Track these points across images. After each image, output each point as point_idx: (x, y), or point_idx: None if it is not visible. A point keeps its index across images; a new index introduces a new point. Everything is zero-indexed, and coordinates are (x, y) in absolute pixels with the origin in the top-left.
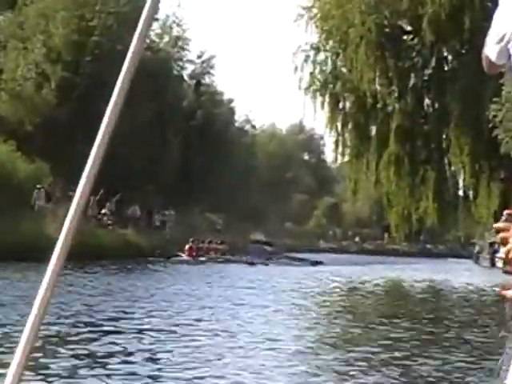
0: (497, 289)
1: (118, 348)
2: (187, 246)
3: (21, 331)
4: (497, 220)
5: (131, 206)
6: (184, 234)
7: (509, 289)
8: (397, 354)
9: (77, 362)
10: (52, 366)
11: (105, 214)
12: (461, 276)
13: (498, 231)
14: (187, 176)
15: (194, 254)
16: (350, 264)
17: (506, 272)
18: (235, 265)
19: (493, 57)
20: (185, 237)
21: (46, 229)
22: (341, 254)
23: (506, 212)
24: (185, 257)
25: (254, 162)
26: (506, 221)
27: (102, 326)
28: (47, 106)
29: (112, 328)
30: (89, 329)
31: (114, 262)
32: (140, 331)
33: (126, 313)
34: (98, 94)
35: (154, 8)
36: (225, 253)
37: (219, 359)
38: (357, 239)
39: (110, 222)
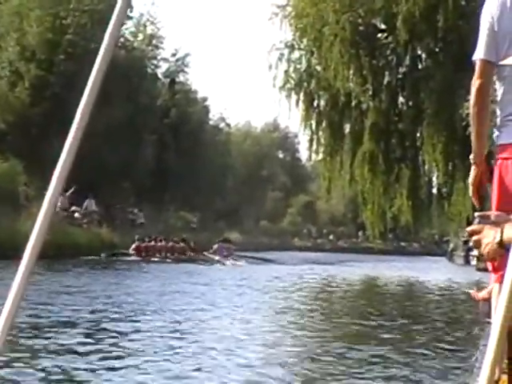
0: (470, 289)
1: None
2: (134, 245)
3: None
4: (470, 222)
5: (105, 204)
6: (158, 233)
7: (481, 290)
8: (370, 352)
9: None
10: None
11: (75, 211)
12: (435, 274)
13: (472, 234)
14: (162, 174)
15: (144, 252)
16: (324, 262)
17: (479, 269)
18: (191, 264)
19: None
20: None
21: (22, 227)
22: (315, 252)
23: (476, 214)
24: (133, 256)
25: (229, 161)
26: (478, 223)
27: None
28: (21, 104)
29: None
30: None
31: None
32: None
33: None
34: (72, 93)
35: (127, 5)
36: (184, 252)
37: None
38: (331, 237)
39: (82, 220)
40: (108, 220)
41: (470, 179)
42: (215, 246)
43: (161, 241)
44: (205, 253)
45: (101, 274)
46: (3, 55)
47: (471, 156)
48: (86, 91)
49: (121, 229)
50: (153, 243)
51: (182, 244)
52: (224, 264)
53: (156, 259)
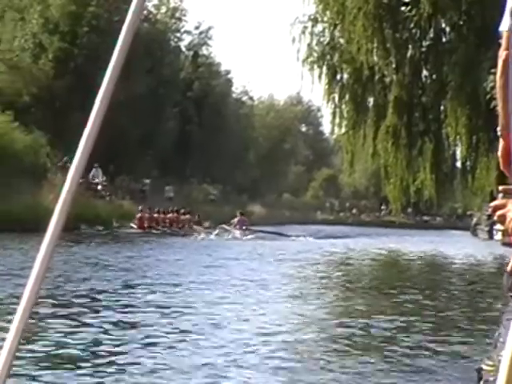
0: (495, 261)
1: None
2: (137, 216)
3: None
4: (494, 196)
5: (128, 177)
6: (180, 205)
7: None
8: (393, 325)
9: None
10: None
11: (98, 184)
12: (458, 248)
13: (496, 209)
14: (184, 147)
15: (146, 224)
16: (346, 236)
17: (504, 244)
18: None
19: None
20: (180, 208)
21: (44, 200)
22: (338, 226)
23: (501, 188)
24: (135, 228)
25: (252, 134)
26: (502, 197)
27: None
28: (44, 76)
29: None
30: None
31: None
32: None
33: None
34: (95, 65)
35: None
36: (189, 224)
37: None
38: (354, 211)
39: (105, 192)
40: (133, 192)
41: (499, 152)
42: (235, 220)
43: (164, 213)
44: (224, 225)
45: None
46: (27, 27)
47: (498, 128)
48: (110, 64)
49: (144, 201)
50: (156, 215)
51: (187, 216)
52: (237, 237)
53: (156, 231)
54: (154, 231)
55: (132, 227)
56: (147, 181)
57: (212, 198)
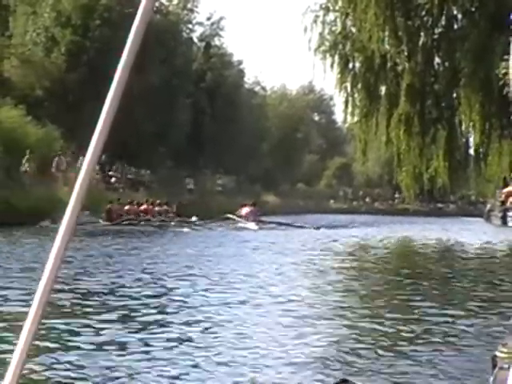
0: (509, 247)
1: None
2: (106, 208)
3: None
4: (507, 182)
5: (141, 169)
6: (197, 195)
7: None
8: (407, 312)
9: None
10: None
11: (112, 177)
12: (472, 234)
13: (509, 195)
14: (197, 138)
15: (115, 217)
16: (361, 224)
17: None
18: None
19: None
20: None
21: (58, 193)
22: (351, 215)
23: None
24: (101, 222)
25: (265, 124)
26: None
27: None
28: (57, 70)
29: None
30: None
31: None
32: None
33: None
34: (107, 58)
35: None
36: (166, 216)
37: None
38: (367, 199)
39: (118, 184)
40: (149, 184)
41: None
42: (241, 210)
43: (138, 204)
44: (229, 215)
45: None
46: (39, 21)
47: None
48: (123, 56)
49: (162, 193)
50: (128, 207)
51: (164, 207)
52: (249, 228)
53: (126, 223)
54: (124, 223)
55: (99, 222)
56: (147, 172)
57: (219, 189)
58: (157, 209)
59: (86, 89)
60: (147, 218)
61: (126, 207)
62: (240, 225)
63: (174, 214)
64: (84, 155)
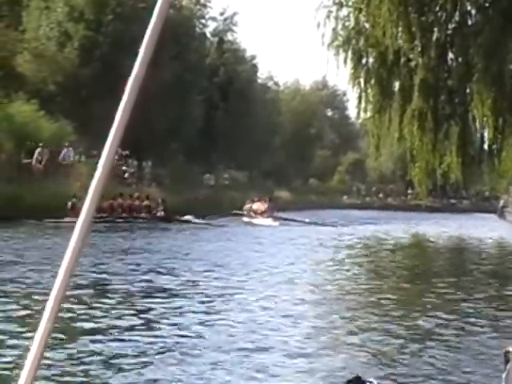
0: None
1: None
2: (69, 204)
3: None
4: None
5: (154, 164)
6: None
7: None
8: (421, 308)
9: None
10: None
11: (125, 172)
12: (486, 231)
13: None
14: (210, 133)
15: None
16: (374, 221)
17: None
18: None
19: None
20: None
21: (71, 187)
22: (364, 210)
23: None
24: (66, 218)
25: (278, 119)
26: None
27: None
28: (70, 65)
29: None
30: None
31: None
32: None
33: None
34: (120, 53)
35: None
36: (147, 211)
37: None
38: (380, 195)
39: (132, 180)
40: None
41: None
42: (248, 206)
43: (113, 199)
44: (238, 211)
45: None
46: (52, 16)
47: None
48: (140, 52)
49: (178, 189)
50: (107, 203)
51: (146, 202)
52: (265, 225)
53: (98, 220)
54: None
55: (64, 221)
56: (160, 167)
57: (231, 184)
58: (137, 204)
59: (98, 84)
60: (124, 216)
61: (106, 203)
62: (255, 221)
63: (162, 209)
64: (96, 149)
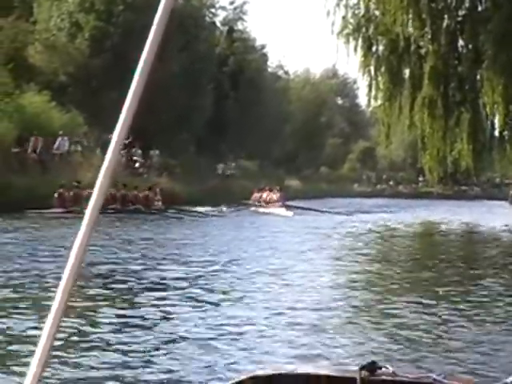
0: None
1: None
2: (56, 194)
3: None
4: None
5: (164, 154)
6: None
7: None
8: (432, 297)
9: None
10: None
11: (135, 161)
12: (497, 218)
13: None
14: (220, 123)
15: (69, 204)
16: (387, 208)
17: None
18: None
19: None
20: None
21: (82, 178)
22: (375, 198)
23: None
24: (54, 209)
25: (288, 108)
26: None
27: None
28: (81, 55)
29: None
30: None
31: None
32: None
33: None
34: (130, 43)
35: None
36: (146, 201)
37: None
38: (391, 183)
39: (142, 169)
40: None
41: None
42: (255, 195)
43: (116, 189)
44: (245, 201)
45: None
46: (63, 7)
47: None
48: (147, 43)
49: (189, 179)
50: (87, 191)
51: (146, 193)
52: (276, 214)
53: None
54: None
55: (48, 211)
56: (170, 157)
57: (229, 173)
58: (141, 195)
59: (109, 74)
60: (116, 207)
61: (85, 191)
62: (268, 210)
63: (159, 199)
64: (105, 139)
